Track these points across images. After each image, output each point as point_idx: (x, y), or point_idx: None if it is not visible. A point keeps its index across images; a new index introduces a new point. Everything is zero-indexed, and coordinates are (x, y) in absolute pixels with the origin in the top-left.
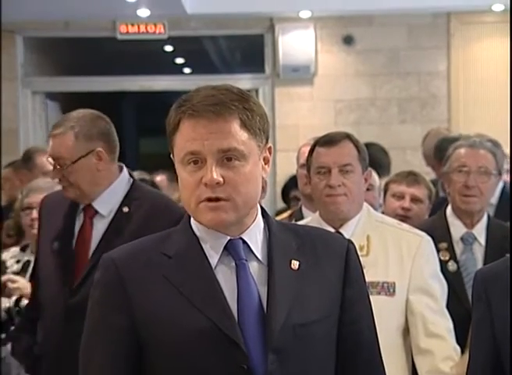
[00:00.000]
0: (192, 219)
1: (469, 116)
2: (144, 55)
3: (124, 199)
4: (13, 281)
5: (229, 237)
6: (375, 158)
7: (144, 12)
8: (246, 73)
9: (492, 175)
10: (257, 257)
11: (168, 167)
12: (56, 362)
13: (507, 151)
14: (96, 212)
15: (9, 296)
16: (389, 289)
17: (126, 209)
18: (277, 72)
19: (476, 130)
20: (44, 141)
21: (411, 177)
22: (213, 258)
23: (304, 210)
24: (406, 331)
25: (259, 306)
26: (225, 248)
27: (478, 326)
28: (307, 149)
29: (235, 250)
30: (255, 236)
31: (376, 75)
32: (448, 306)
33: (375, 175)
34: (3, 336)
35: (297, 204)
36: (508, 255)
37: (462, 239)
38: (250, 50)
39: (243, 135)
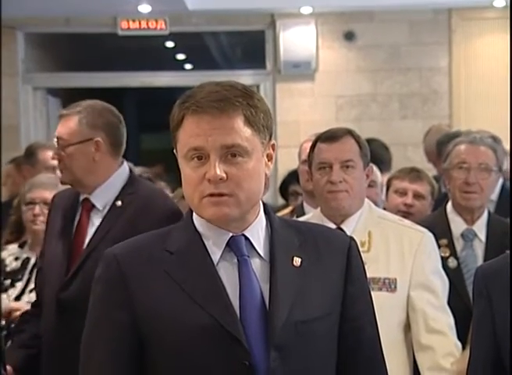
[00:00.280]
0: (194, 215)
1: (470, 112)
2: (145, 51)
3: (119, 193)
4: (16, 310)
5: (231, 234)
6: (376, 154)
7: (145, 8)
8: (247, 69)
9: (493, 171)
10: (259, 253)
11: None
12: (50, 353)
13: (507, 147)
14: (93, 205)
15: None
16: (390, 285)
17: (119, 203)
18: (278, 68)
19: (477, 126)
20: (45, 136)
21: (414, 173)
22: (215, 254)
23: (306, 206)
24: (407, 327)
25: (261, 303)
26: (228, 244)
27: (479, 322)
28: (308, 145)
29: (237, 246)
30: (257, 232)
31: (377, 71)
32: (448, 303)
33: (377, 171)
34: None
35: (296, 199)
36: (508, 252)
37: (462, 235)
38: (251, 46)
39: (246, 131)
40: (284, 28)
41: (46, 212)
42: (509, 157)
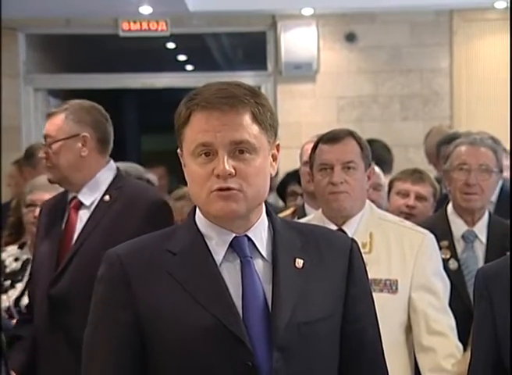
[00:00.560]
0: (197, 216)
1: (471, 113)
2: (146, 53)
3: (107, 189)
4: None
5: (234, 234)
6: (378, 155)
7: (146, 10)
8: (248, 70)
9: (493, 172)
10: (261, 254)
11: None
12: (43, 350)
13: (508, 147)
14: (81, 203)
15: None
16: (391, 286)
17: (107, 198)
18: (279, 69)
19: (479, 128)
20: None
21: (416, 175)
22: (218, 255)
23: (307, 207)
24: (408, 329)
25: (264, 304)
26: (231, 245)
27: (480, 323)
28: (310, 146)
29: (240, 247)
30: (260, 233)
31: (378, 72)
32: (449, 304)
33: (381, 174)
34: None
35: (295, 199)
36: (509, 253)
37: (463, 237)
38: (252, 47)
39: (254, 129)
40: (285, 29)
41: None
42: (509, 156)
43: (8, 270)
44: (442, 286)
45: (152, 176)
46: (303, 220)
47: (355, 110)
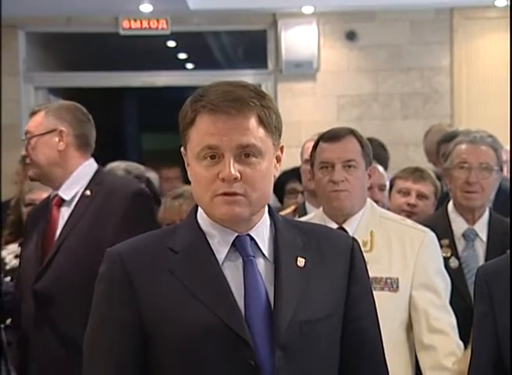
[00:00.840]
0: (198, 214)
1: (472, 111)
2: (147, 51)
3: (88, 184)
4: None
5: (236, 234)
6: (374, 153)
7: (146, 8)
8: (248, 68)
9: (494, 171)
10: (263, 254)
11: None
12: (30, 346)
13: (507, 147)
14: (62, 200)
15: None
16: (392, 285)
17: (88, 193)
18: (280, 67)
19: (479, 126)
20: None
21: (417, 174)
22: (220, 254)
23: (308, 205)
24: (409, 327)
25: (266, 303)
26: (233, 244)
27: (481, 322)
28: (311, 145)
29: (242, 246)
30: (262, 233)
31: (379, 70)
32: (450, 303)
33: (385, 174)
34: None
35: (296, 197)
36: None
37: (464, 235)
38: (252, 46)
39: (260, 132)
40: (286, 28)
41: None
42: (509, 154)
43: (8, 267)
44: (443, 284)
45: (153, 175)
46: (304, 219)
47: (355, 108)
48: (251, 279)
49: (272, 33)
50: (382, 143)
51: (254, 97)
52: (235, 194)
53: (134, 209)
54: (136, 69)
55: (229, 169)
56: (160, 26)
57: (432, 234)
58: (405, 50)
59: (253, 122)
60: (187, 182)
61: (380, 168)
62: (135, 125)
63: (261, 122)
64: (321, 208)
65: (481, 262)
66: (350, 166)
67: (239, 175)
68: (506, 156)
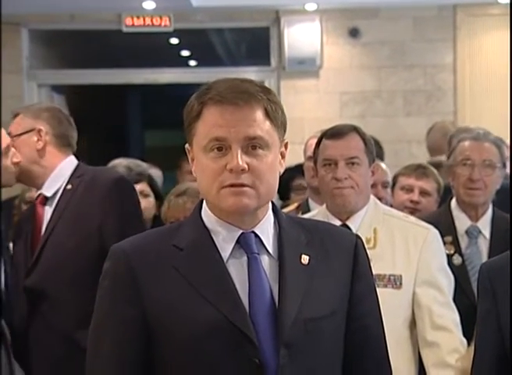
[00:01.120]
0: (202, 211)
1: (475, 108)
2: (150, 48)
3: (69, 179)
4: None
5: (241, 231)
6: None
7: (149, 5)
8: (251, 65)
9: (497, 168)
10: (268, 251)
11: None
12: (24, 343)
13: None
14: (46, 198)
15: None
16: (395, 282)
17: (69, 187)
18: (283, 64)
19: (482, 123)
20: None
21: (420, 170)
22: (225, 251)
23: (311, 202)
24: (412, 324)
25: (270, 300)
26: (238, 241)
27: (484, 318)
28: (314, 142)
29: (247, 243)
30: (267, 230)
31: (382, 67)
32: (453, 300)
33: (388, 171)
34: None
35: (303, 193)
36: None
37: (467, 232)
38: (255, 43)
39: (267, 125)
40: (289, 25)
41: None
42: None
43: None
44: (447, 281)
45: (156, 172)
46: (307, 216)
47: (358, 105)
48: (256, 276)
49: (275, 30)
50: (376, 140)
51: (261, 91)
52: (242, 185)
53: (119, 194)
54: (139, 66)
55: (237, 160)
56: (163, 24)
57: (436, 231)
58: (408, 47)
59: (260, 114)
60: None
61: (383, 165)
62: (138, 122)
63: (268, 115)
64: (324, 206)
65: (485, 259)
66: (353, 163)
67: (246, 166)
68: (507, 152)
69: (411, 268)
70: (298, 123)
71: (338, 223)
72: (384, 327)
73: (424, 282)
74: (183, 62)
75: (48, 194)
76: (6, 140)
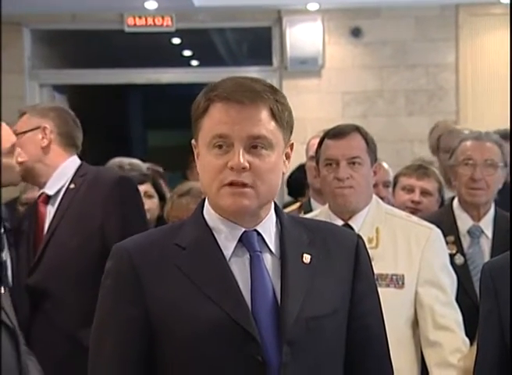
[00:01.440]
0: (205, 210)
1: (477, 108)
2: (152, 48)
3: (72, 178)
4: None
5: (243, 229)
6: None
7: (151, 5)
8: (253, 65)
9: (499, 167)
10: (270, 249)
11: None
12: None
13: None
14: (48, 196)
15: None
16: (398, 281)
17: (72, 186)
18: (285, 64)
19: (484, 123)
20: None
21: (421, 170)
22: (227, 249)
23: (313, 202)
24: (415, 323)
25: (273, 298)
26: (240, 239)
27: (486, 318)
28: (316, 141)
29: (249, 242)
30: (269, 228)
31: (384, 67)
32: (456, 299)
33: (390, 171)
34: None
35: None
36: None
37: (469, 232)
38: (257, 42)
39: (272, 125)
40: (290, 24)
41: None
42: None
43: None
44: (449, 281)
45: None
46: (309, 215)
47: (360, 105)
48: (258, 274)
49: (277, 30)
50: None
51: (268, 91)
52: (243, 184)
53: (121, 193)
54: (141, 66)
55: (238, 157)
56: (165, 23)
57: (438, 231)
58: (410, 46)
59: (265, 114)
60: None
61: (385, 164)
62: (140, 122)
63: (273, 115)
64: (326, 205)
65: (487, 258)
66: (354, 163)
67: (247, 165)
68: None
69: (413, 267)
70: (300, 122)
71: (340, 222)
72: (385, 327)
73: (426, 282)
74: (184, 62)
75: (51, 192)
76: (12, 138)
